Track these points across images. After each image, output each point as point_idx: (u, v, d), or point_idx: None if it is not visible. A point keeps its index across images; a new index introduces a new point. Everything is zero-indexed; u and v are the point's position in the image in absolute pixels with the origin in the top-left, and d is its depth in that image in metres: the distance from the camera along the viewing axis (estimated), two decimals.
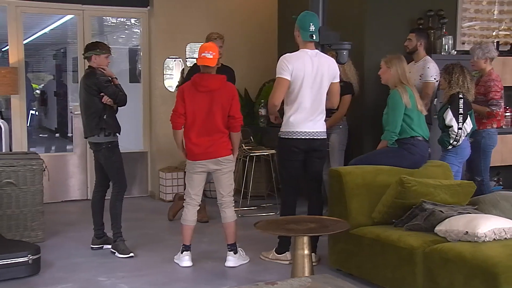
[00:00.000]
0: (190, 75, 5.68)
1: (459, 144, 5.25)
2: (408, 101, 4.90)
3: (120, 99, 5.19)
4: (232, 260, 4.92)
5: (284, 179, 5.08)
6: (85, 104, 5.24)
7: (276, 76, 4.81)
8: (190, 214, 4.95)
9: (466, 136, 5.29)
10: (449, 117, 5.20)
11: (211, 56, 4.75)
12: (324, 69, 4.81)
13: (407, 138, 4.91)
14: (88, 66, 5.28)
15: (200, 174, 4.93)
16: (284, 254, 5.01)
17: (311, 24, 4.79)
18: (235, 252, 4.94)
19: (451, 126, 5.19)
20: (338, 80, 4.96)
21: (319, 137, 4.88)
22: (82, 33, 7.53)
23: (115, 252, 5.23)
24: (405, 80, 5.00)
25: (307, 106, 4.79)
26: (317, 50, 4.90)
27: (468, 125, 5.26)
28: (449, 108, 5.22)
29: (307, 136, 4.82)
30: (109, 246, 5.33)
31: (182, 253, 4.96)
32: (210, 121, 4.78)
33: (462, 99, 5.21)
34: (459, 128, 5.18)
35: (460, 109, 5.19)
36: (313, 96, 4.79)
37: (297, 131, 4.82)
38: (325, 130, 4.97)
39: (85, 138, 5.35)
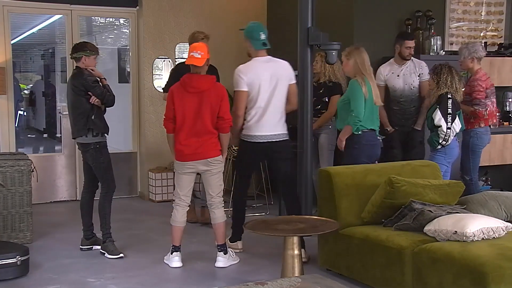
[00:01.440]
0: (173, 76, 5.68)
1: (448, 144, 5.28)
2: (366, 91, 5.12)
3: (108, 99, 5.17)
4: (222, 261, 4.92)
5: (238, 175, 5.37)
6: (72, 104, 5.22)
7: (234, 89, 5.02)
8: (179, 215, 4.94)
9: (455, 136, 5.33)
10: (438, 117, 5.23)
11: (199, 56, 4.74)
12: (279, 73, 5.02)
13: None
14: (76, 66, 5.25)
15: (189, 174, 4.92)
16: (236, 243, 5.22)
17: (261, 33, 5.02)
18: (225, 253, 4.94)
19: (440, 126, 5.23)
20: (295, 82, 5.17)
21: (279, 139, 5.04)
22: (70, 33, 7.50)
23: (104, 253, 5.20)
24: (365, 71, 5.21)
25: (266, 110, 4.99)
26: (269, 56, 5.11)
27: (457, 125, 5.30)
28: (437, 108, 5.25)
29: (267, 139, 5.01)
30: (99, 247, 5.31)
31: (171, 253, 4.95)
32: (199, 122, 4.77)
33: (451, 99, 5.24)
34: (448, 128, 5.22)
35: (449, 109, 5.23)
36: (271, 100, 4.99)
37: (256, 135, 5.01)
38: (286, 132, 5.12)
39: (73, 138, 5.33)
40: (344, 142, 5.23)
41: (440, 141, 5.26)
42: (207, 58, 4.84)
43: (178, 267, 4.90)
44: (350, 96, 5.18)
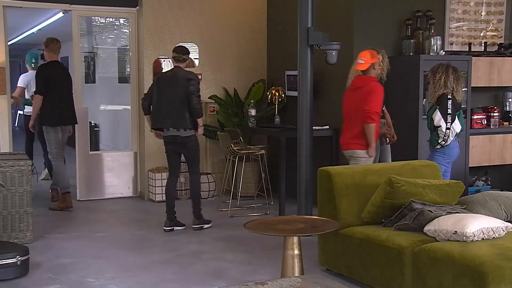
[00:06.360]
0: None
1: (448, 144, 5.28)
2: None
3: (195, 109, 5.77)
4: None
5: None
6: (181, 98, 5.77)
7: None
8: None
9: (454, 136, 5.33)
10: (438, 118, 5.24)
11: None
12: None
13: None
14: (177, 66, 5.89)
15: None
16: None
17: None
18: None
19: (440, 126, 5.23)
20: None
21: None
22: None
23: (202, 226, 5.93)
24: None
25: None
26: None
27: (457, 126, 5.30)
28: (437, 109, 5.26)
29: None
30: (179, 228, 5.90)
31: None
32: None
33: (451, 100, 5.25)
34: (447, 128, 5.22)
35: (449, 110, 5.23)
36: None
37: None
38: None
39: (175, 129, 5.83)
40: None
41: (440, 141, 5.27)
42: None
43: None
44: None
